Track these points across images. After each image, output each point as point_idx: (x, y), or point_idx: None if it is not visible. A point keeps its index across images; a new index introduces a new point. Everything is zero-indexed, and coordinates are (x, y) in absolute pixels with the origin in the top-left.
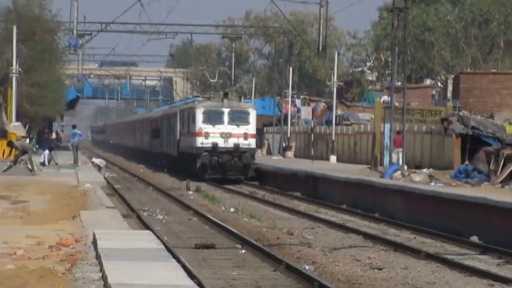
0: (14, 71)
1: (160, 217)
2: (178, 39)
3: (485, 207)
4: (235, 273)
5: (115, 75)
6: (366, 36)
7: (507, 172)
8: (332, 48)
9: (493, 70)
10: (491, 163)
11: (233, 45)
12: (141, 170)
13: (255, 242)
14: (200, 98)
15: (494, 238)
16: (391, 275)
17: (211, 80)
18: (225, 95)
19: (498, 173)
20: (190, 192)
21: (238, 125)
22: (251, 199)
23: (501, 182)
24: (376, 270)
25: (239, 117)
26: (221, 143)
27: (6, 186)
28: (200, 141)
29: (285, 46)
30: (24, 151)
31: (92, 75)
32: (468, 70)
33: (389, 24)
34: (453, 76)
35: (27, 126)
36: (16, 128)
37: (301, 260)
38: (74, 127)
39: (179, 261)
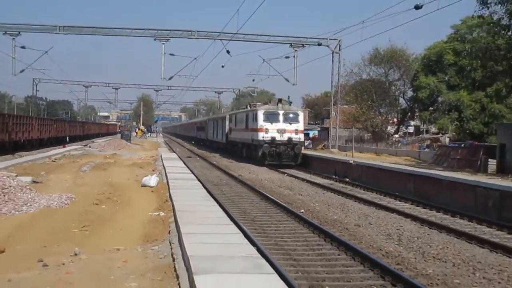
0: (140, 114)
1: (178, 150)
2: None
3: None
4: (197, 164)
5: (167, 115)
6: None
7: None
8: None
9: None
10: None
11: (197, 108)
12: (178, 141)
13: (203, 156)
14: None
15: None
16: (253, 176)
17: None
18: (279, 100)
19: None
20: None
21: (290, 123)
22: (214, 151)
23: None
24: (252, 174)
25: (291, 118)
26: (278, 137)
27: (139, 142)
28: (261, 135)
29: (209, 109)
30: (144, 133)
31: (161, 115)
32: None
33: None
34: None
35: (145, 127)
36: (142, 127)
37: (227, 169)
38: (156, 127)
39: (183, 161)
